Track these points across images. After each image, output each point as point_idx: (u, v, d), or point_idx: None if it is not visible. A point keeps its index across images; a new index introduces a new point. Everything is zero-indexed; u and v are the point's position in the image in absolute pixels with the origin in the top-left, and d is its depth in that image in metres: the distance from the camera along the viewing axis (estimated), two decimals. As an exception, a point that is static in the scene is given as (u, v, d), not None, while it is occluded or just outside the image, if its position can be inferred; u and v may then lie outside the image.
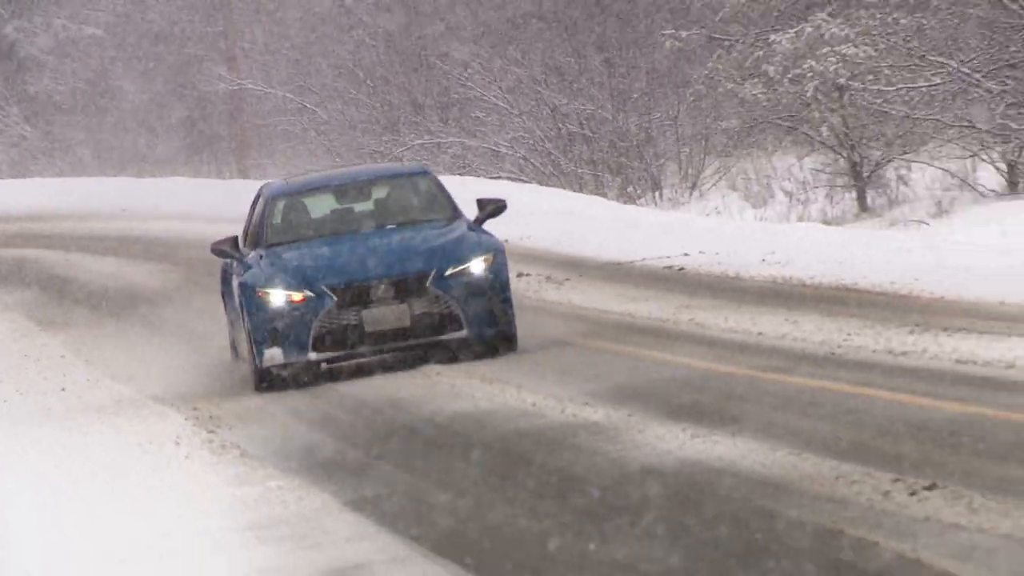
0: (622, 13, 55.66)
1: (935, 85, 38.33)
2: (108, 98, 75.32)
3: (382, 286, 19.38)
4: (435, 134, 58.88)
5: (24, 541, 17.57)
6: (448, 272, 19.57)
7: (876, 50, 38.48)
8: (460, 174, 50.48)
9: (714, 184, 48.38)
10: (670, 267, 31.81)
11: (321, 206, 21.51)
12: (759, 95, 39.72)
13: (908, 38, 38.55)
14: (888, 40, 38.52)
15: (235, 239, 21.27)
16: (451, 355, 20.38)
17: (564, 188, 49.91)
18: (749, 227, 39.84)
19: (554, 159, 47.48)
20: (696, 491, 14.72)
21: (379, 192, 21.77)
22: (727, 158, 49.02)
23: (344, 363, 20.44)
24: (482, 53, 58.02)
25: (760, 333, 23.74)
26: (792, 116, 39.73)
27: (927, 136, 39.16)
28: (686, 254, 30.93)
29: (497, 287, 19.91)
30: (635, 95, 52.32)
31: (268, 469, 18.97)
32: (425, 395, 20.05)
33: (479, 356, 20.23)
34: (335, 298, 19.45)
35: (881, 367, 19.57)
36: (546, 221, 40.76)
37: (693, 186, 48.67)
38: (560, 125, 51.75)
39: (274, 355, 19.42)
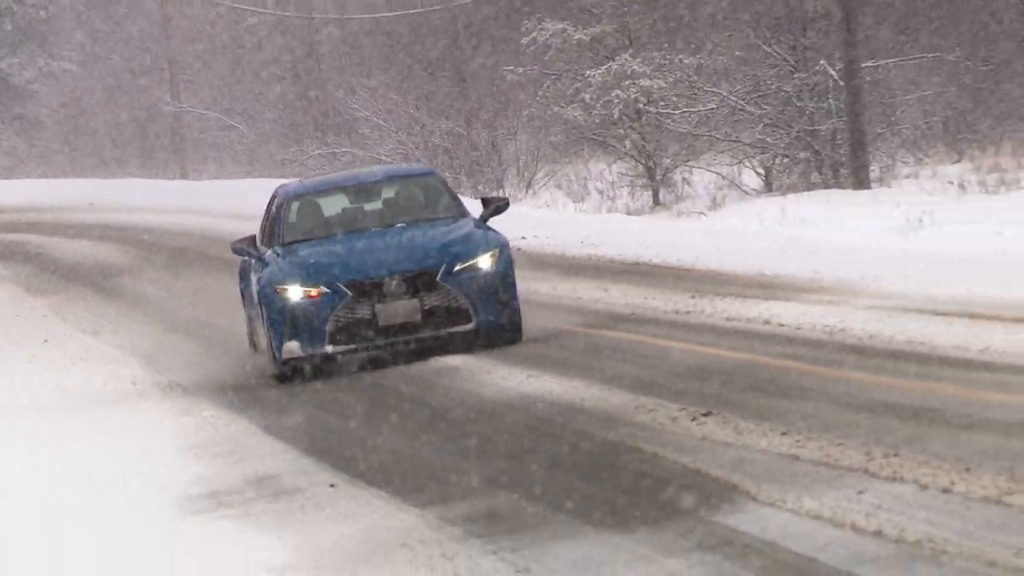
0: (474, 53, 56.01)
1: (711, 109, 38.70)
2: (79, 118, 75.36)
3: (394, 282, 16.83)
4: (331, 146, 58.76)
5: (5, 448, 17.69)
6: (457, 268, 17.00)
7: (666, 82, 38.77)
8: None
9: (544, 184, 48.31)
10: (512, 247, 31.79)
11: (334, 206, 18.78)
12: (578, 116, 39.82)
13: (690, 74, 38.89)
14: (675, 75, 38.86)
15: (253, 238, 18.58)
16: (462, 347, 17.59)
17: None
18: (571, 217, 40.04)
19: (423, 164, 47.69)
20: (531, 417, 14.82)
21: (388, 192, 18.93)
22: (554, 164, 49.16)
23: (358, 356, 17.63)
24: (367, 83, 57.96)
25: (579, 298, 23.90)
26: (603, 132, 39.74)
27: (704, 148, 39.56)
28: (523, 237, 30.77)
29: (503, 281, 17.25)
30: (484, 116, 52.43)
31: (204, 403, 18.82)
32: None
33: (484, 347, 17.57)
34: (350, 294, 16.92)
35: (671, 324, 19.66)
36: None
37: (528, 186, 48.49)
38: (427, 139, 51.73)
39: (292, 348, 17.02)
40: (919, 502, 9.73)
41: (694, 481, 11.27)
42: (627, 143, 40.05)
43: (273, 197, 18.86)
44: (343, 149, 57.43)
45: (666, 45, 41.20)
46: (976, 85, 38.57)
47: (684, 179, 40.24)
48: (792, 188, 35.44)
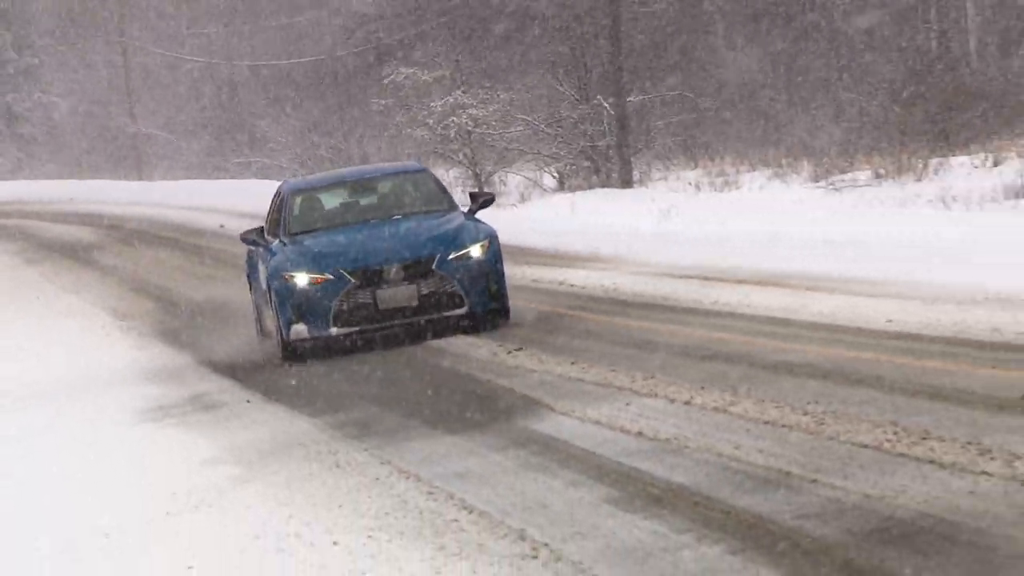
0: (350, 88, 55.70)
1: (520, 130, 38.71)
2: (62, 136, 74.26)
3: (393, 269, 13.84)
4: (247, 156, 58.13)
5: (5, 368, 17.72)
6: (451, 256, 13.99)
7: (488, 111, 38.63)
8: (267, 178, 49.55)
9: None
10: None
11: (334, 200, 15.55)
12: (425, 135, 39.54)
13: (506, 105, 38.85)
14: (495, 106, 38.81)
15: (261, 229, 15.34)
16: (456, 328, 14.42)
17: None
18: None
19: (312, 170, 47.30)
20: (418, 360, 14.22)
21: (384, 187, 15.74)
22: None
23: (360, 337, 14.24)
24: (272, 111, 57.57)
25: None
26: (442, 147, 39.45)
27: (515, 158, 39.54)
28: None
29: (493, 269, 14.21)
30: (357, 134, 52.11)
31: (158, 343, 18.42)
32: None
33: (474, 330, 14.37)
34: (353, 280, 13.82)
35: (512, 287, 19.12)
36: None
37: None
38: (315, 151, 51.35)
39: (299, 330, 13.89)
40: (668, 412, 9.78)
41: (510, 398, 11.20)
42: (460, 155, 39.89)
43: (277, 193, 15.94)
44: (256, 159, 57.01)
45: (488, 84, 41.17)
46: (706, 113, 39.50)
47: (501, 180, 40.20)
48: (579, 187, 35.47)
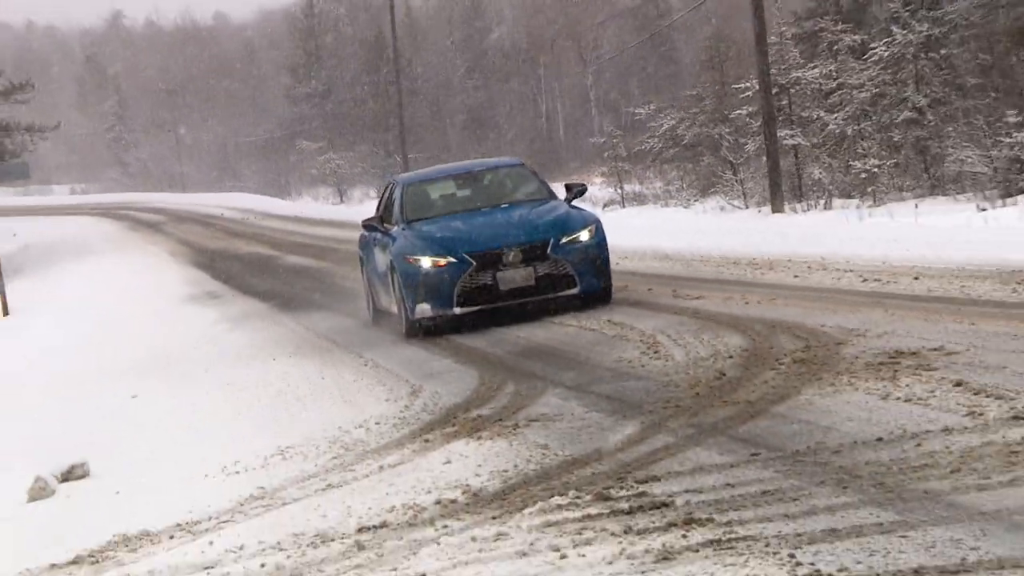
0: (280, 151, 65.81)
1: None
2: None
3: (512, 252, 11.34)
4: (231, 182, 69.33)
5: (101, 290, 19.38)
6: (564, 240, 11.51)
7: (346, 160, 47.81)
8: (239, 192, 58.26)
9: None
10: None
11: (444, 191, 12.86)
12: (315, 173, 47.17)
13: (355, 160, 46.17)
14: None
15: (380, 217, 12.55)
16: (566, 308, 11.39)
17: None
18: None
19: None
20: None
21: (487, 179, 12.97)
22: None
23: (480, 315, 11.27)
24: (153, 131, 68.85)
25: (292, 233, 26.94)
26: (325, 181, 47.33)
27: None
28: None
29: (600, 252, 11.68)
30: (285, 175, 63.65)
31: (192, 268, 21.96)
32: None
33: (579, 308, 11.38)
34: (474, 263, 11.35)
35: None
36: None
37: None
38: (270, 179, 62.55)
39: (424, 309, 11.31)
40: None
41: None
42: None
43: (388, 185, 13.36)
44: (234, 183, 67.79)
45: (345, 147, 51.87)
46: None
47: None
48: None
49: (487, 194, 12.46)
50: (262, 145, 65.42)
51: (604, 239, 11.48)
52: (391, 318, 11.74)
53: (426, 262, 11.21)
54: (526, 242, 11.28)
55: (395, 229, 11.91)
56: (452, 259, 11.20)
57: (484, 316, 10.92)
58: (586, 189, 12.70)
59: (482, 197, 12.40)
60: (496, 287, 11.16)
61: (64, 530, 5.74)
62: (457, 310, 11.14)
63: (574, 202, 12.07)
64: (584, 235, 11.46)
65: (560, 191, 12.47)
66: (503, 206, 12.12)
